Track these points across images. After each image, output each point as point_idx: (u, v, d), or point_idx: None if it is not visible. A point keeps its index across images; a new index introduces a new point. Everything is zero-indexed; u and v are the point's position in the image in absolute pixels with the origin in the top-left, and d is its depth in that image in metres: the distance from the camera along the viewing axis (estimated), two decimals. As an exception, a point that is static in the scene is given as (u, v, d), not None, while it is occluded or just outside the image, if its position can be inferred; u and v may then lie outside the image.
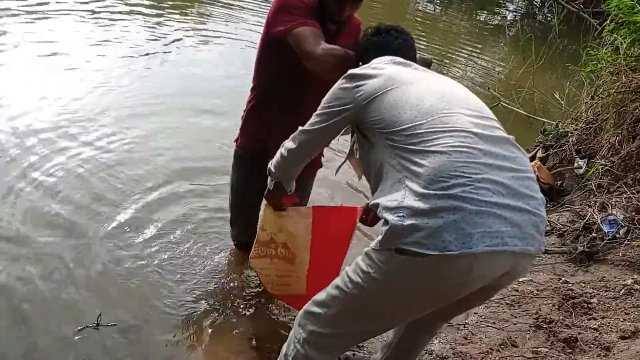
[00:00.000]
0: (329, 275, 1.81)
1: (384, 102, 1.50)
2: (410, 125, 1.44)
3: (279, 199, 1.97)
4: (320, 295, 1.60)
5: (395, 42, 1.77)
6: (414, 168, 1.38)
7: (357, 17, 2.19)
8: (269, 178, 1.90)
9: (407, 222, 1.33)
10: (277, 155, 1.82)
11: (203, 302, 2.54)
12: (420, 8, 10.37)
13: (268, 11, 2.07)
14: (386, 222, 1.38)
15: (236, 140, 2.41)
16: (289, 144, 1.77)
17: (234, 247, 2.84)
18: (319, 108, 1.67)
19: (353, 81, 1.59)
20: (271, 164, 1.86)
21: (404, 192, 1.37)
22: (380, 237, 1.41)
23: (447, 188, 1.32)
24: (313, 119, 1.69)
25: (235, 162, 2.46)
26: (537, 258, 3.16)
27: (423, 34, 7.85)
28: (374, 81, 1.55)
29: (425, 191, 1.33)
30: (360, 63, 1.74)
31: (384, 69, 1.58)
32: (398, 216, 1.34)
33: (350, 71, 1.62)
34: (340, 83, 1.62)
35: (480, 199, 1.32)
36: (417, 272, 1.38)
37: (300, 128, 1.73)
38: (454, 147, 1.37)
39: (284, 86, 1.92)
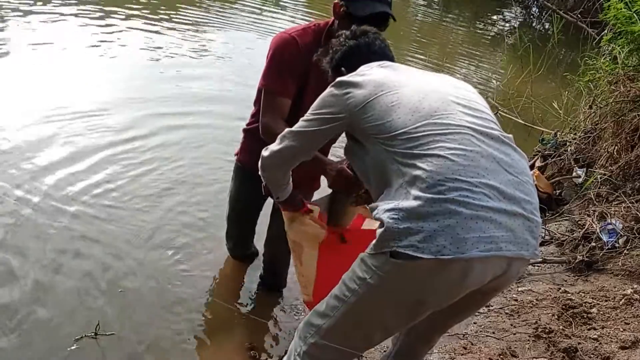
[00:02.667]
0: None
1: (376, 108, 1.48)
2: (406, 129, 1.43)
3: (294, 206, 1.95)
4: (320, 306, 1.59)
5: (376, 43, 1.75)
6: (413, 172, 1.37)
7: None
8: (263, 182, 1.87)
9: (403, 225, 1.33)
10: (261, 157, 1.77)
11: (201, 311, 2.53)
12: (418, 17, 10.42)
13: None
14: (382, 224, 1.38)
15: (236, 154, 2.41)
16: (272, 146, 1.71)
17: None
18: (308, 113, 1.63)
19: (342, 88, 1.56)
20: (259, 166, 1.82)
21: (403, 196, 1.37)
22: (375, 240, 1.41)
23: (445, 192, 1.32)
24: (301, 123, 1.63)
25: (235, 175, 2.45)
26: (537, 267, 3.17)
27: (421, 42, 7.89)
28: (363, 87, 1.53)
29: (423, 194, 1.33)
30: (343, 69, 1.71)
31: (372, 75, 1.57)
32: (393, 218, 1.34)
33: (339, 79, 1.59)
34: (329, 91, 1.59)
35: (476, 204, 1.32)
36: (412, 276, 1.38)
37: (287, 130, 1.68)
38: (453, 150, 1.37)
39: (287, 120, 1.92)
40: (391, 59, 1.73)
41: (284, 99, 2.03)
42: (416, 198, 1.33)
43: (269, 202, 2.46)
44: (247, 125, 2.33)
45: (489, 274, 1.39)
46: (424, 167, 1.36)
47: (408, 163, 1.40)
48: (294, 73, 2.02)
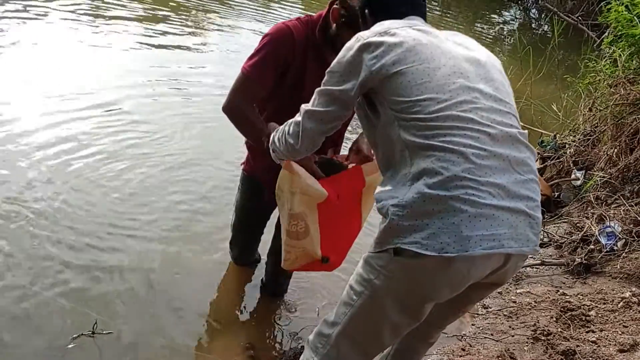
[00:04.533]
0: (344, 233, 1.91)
1: (403, 82, 1.41)
2: (427, 116, 1.38)
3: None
4: (329, 316, 1.58)
5: None
6: (422, 164, 1.35)
7: None
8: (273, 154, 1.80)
9: (408, 222, 1.32)
10: (280, 146, 1.69)
11: (199, 311, 2.52)
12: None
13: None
14: (385, 218, 1.37)
15: (243, 164, 2.37)
16: (292, 130, 1.62)
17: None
18: (324, 83, 1.53)
19: (368, 52, 1.44)
20: (274, 155, 1.77)
21: (408, 189, 1.35)
22: (377, 234, 1.40)
23: (451, 189, 1.31)
24: (320, 98, 1.54)
25: (241, 184, 2.41)
26: (535, 269, 3.17)
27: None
28: (392, 51, 1.43)
29: (429, 191, 1.31)
30: (361, 21, 1.62)
31: (402, 37, 1.45)
32: (398, 215, 1.34)
33: (364, 39, 1.46)
34: (351, 53, 1.47)
35: (480, 202, 1.31)
36: (417, 274, 1.38)
37: (304, 108, 1.58)
38: (468, 147, 1.35)
39: (287, 116, 1.89)
40: (422, 7, 1.65)
41: (260, 88, 2.03)
42: (422, 194, 1.32)
43: (275, 211, 2.44)
44: None
45: (489, 268, 1.40)
46: (435, 160, 1.34)
47: (420, 153, 1.37)
48: (280, 65, 2.01)
